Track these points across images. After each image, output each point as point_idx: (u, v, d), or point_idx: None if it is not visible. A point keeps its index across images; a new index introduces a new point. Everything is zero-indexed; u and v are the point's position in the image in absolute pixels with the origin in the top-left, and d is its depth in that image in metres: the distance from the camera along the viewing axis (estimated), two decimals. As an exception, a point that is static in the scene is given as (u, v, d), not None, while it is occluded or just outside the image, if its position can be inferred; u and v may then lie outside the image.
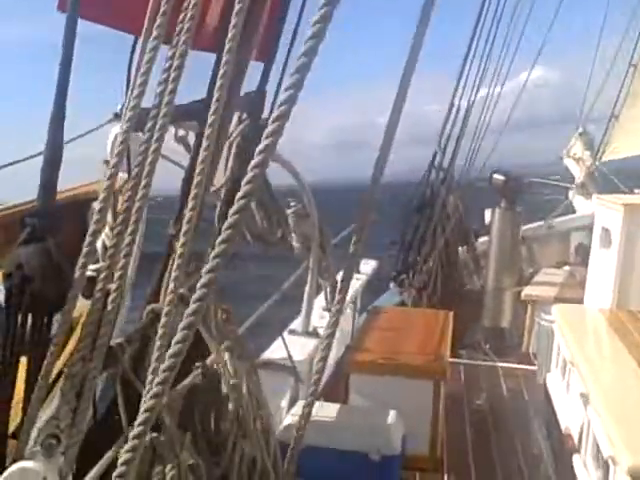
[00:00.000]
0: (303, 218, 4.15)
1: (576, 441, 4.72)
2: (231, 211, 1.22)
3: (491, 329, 8.63)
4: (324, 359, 2.17)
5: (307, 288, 4.57)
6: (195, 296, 1.26)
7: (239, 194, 1.20)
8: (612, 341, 4.94)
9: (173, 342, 1.31)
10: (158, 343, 1.42)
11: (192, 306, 1.26)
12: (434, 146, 9.61)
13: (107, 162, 2.48)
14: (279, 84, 2.72)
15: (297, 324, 4.77)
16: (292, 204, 4.10)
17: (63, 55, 1.53)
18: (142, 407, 1.42)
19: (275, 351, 4.19)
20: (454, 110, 9.69)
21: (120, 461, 1.39)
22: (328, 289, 4.79)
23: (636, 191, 7.79)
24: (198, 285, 1.26)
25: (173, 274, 1.47)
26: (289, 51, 2.71)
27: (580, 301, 6.74)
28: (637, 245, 5.69)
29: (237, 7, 1.32)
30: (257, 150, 1.18)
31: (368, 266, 7.42)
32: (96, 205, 1.62)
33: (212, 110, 1.37)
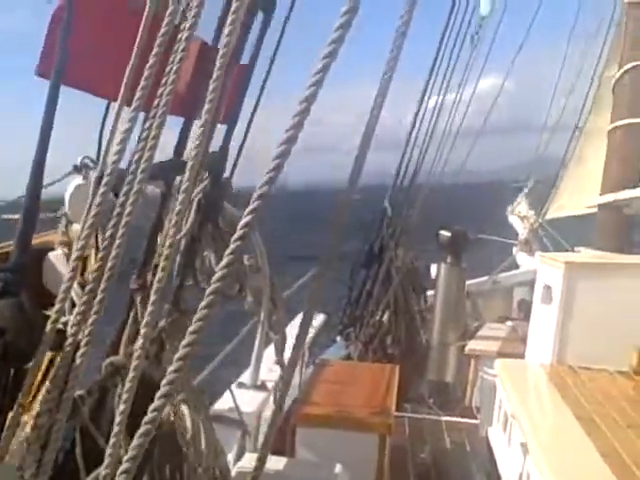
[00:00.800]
0: (254, 272, 4.21)
1: None
2: (219, 267, 1.29)
3: (435, 383, 8.72)
4: (276, 414, 2.23)
5: (257, 341, 4.60)
6: (180, 354, 1.32)
7: (228, 249, 1.27)
8: (552, 395, 5.07)
9: (157, 396, 1.37)
10: (125, 397, 1.48)
11: (175, 364, 1.33)
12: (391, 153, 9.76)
13: (65, 214, 2.54)
14: (241, 145, 2.85)
15: (246, 377, 4.80)
16: (245, 257, 4.17)
17: (44, 119, 1.61)
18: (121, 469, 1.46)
19: (223, 404, 4.20)
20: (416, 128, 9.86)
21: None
22: (278, 342, 4.83)
23: (577, 249, 8.05)
24: (185, 342, 1.32)
25: (142, 331, 1.53)
26: (252, 114, 2.85)
27: (522, 356, 6.89)
28: (577, 302, 5.87)
29: (214, 82, 1.42)
30: (241, 223, 1.26)
31: (316, 320, 7.47)
32: (57, 256, 1.68)
33: (187, 174, 1.46)
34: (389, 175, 9.91)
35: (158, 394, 1.40)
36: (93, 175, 2.41)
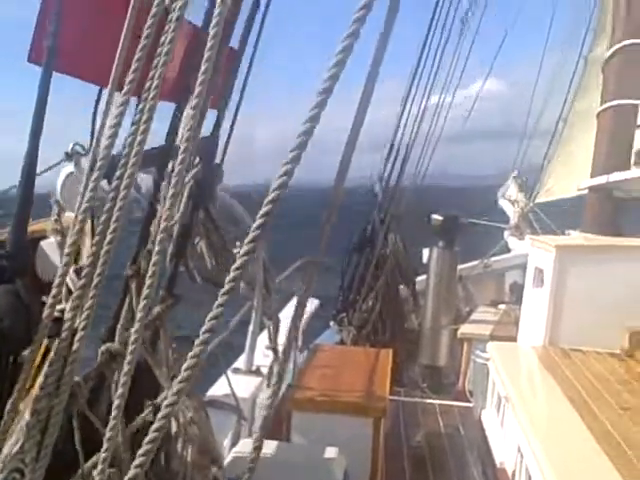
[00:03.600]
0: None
1: (510, 475, 4.86)
2: (233, 268, 1.30)
3: (428, 367, 8.77)
4: (272, 399, 2.24)
5: (251, 327, 4.63)
6: (192, 352, 1.33)
7: (243, 250, 1.28)
8: (544, 378, 5.11)
9: (170, 394, 1.37)
10: (123, 380, 1.49)
11: (190, 360, 1.34)
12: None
13: (57, 202, 2.53)
14: (230, 130, 2.85)
15: (240, 363, 4.82)
16: (238, 244, 4.18)
17: (37, 105, 1.61)
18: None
19: (218, 389, 4.22)
20: (400, 130, 9.92)
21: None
22: (271, 328, 4.85)
23: (567, 232, 8.09)
24: (197, 342, 1.33)
25: (138, 316, 1.54)
26: (240, 99, 2.85)
27: (514, 339, 6.93)
28: (568, 285, 5.91)
29: (204, 66, 1.42)
30: (253, 226, 1.26)
31: (310, 305, 7.49)
32: (49, 244, 1.68)
33: (180, 156, 1.46)
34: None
35: (164, 404, 1.39)
36: (85, 162, 2.41)
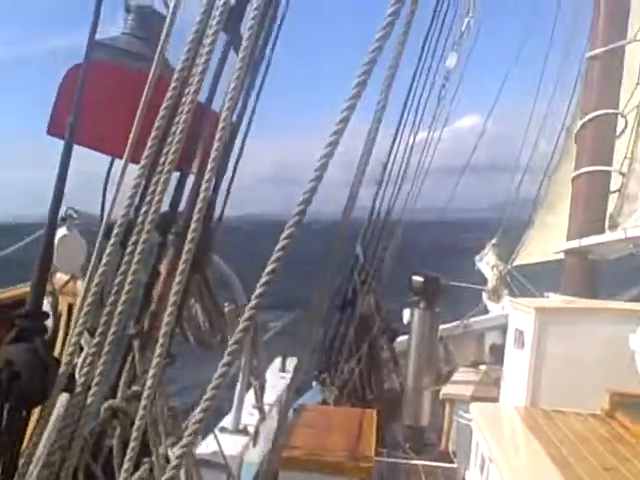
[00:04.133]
0: (235, 318, 4.30)
1: None
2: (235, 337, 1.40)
3: (411, 427, 8.75)
4: (273, 456, 2.31)
5: (238, 386, 4.67)
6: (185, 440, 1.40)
7: (246, 313, 1.37)
8: (527, 438, 5.14)
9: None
10: (134, 435, 1.56)
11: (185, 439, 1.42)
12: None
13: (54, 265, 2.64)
14: (228, 190, 2.97)
15: (227, 422, 4.84)
16: (225, 304, 4.26)
17: (58, 176, 1.72)
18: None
19: (206, 448, 4.24)
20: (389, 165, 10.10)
21: None
22: (258, 387, 4.91)
23: (546, 295, 8.21)
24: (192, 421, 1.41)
25: (151, 371, 1.63)
26: (236, 165, 2.97)
27: (495, 399, 6.97)
28: (548, 346, 5.98)
29: (215, 145, 1.55)
30: (267, 270, 1.35)
31: (293, 364, 7.51)
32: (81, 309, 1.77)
33: (192, 228, 1.58)
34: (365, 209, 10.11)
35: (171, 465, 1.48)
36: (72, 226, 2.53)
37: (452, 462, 7.28)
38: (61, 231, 2.67)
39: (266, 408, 5.13)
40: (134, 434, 1.56)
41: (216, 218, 2.93)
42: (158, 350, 1.59)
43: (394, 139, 10.05)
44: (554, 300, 7.52)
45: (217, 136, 1.47)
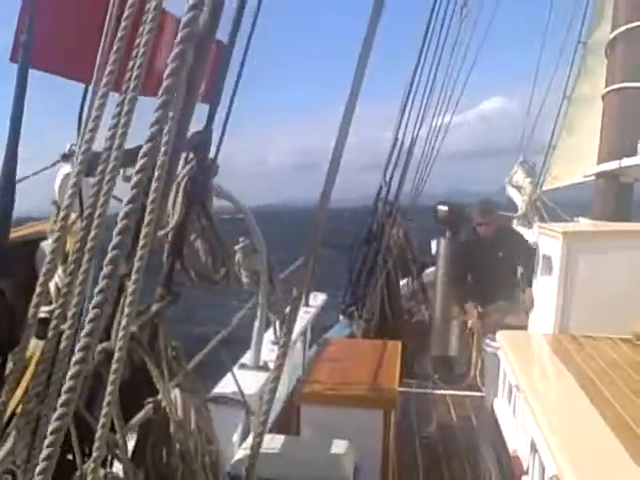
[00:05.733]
0: (251, 253, 4.21)
1: (524, 464, 4.83)
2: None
3: (439, 358, 8.75)
4: (273, 391, 2.23)
5: (257, 322, 4.60)
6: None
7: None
8: (555, 365, 5.08)
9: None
10: (112, 378, 1.47)
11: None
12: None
13: (55, 202, 2.52)
14: (224, 125, 2.83)
15: (247, 358, 4.80)
16: (240, 240, 4.16)
17: (15, 103, 1.59)
18: (96, 444, 1.46)
19: (226, 385, 4.21)
20: (399, 142, 9.93)
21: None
22: (277, 323, 4.85)
23: (576, 219, 8.05)
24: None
25: (126, 311, 1.52)
26: (234, 93, 2.82)
27: (525, 327, 6.91)
28: (577, 272, 5.88)
29: (174, 53, 1.39)
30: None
31: (317, 299, 7.49)
32: (47, 246, 1.67)
33: (162, 151, 1.44)
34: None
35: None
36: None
37: (480, 391, 7.25)
38: (65, 169, 2.54)
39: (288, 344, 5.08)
40: (112, 368, 1.46)
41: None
42: (131, 287, 1.48)
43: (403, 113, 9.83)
44: (583, 224, 7.35)
45: (177, 48, 1.32)
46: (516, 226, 11.94)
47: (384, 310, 9.17)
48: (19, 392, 1.68)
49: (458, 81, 11.02)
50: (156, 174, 1.44)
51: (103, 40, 1.67)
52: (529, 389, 4.67)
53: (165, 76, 1.38)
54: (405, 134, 10.02)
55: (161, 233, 2.61)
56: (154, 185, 1.44)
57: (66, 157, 2.43)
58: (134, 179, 1.33)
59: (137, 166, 1.29)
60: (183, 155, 2.61)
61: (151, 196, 1.46)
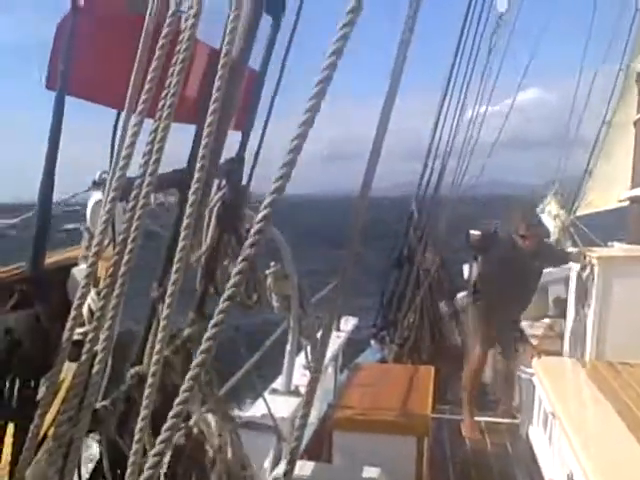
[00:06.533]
0: (281, 278, 4.21)
1: None
2: (234, 272, 1.28)
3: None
4: (305, 416, 2.21)
5: (288, 347, 4.59)
6: (197, 360, 1.32)
7: (241, 256, 1.27)
8: (592, 392, 5.00)
9: (175, 403, 1.37)
10: (145, 403, 1.47)
11: (192, 372, 1.33)
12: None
13: (88, 229, 2.56)
14: (257, 151, 2.85)
15: (279, 383, 4.79)
16: (271, 264, 4.17)
17: (52, 131, 1.62)
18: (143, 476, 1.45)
19: (257, 411, 4.19)
20: (438, 133, 9.91)
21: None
22: (309, 348, 4.82)
23: (610, 244, 7.95)
24: (200, 350, 1.33)
25: (159, 336, 1.53)
26: (266, 121, 2.84)
27: (559, 353, 6.81)
28: (612, 296, 5.79)
29: (217, 84, 1.41)
30: (256, 219, 1.25)
31: (348, 324, 7.46)
32: (79, 272, 1.69)
33: (196, 176, 1.46)
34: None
35: (177, 400, 1.40)
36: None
37: (515, 418, 7.13)
38: (96, 196, 2.57)
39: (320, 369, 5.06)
40: (146, 392, 1.47)
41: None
42: (165, 312, 1.48)
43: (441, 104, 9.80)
44: (618, 249, 7.25)
45: (217, 74, 1.33)
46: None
47: (421, 334, 9.07)
48: (50, 416, 1.69)
49: (494, 72, 10.92)
50: (190, 200, 1.45)
51: (136, 67, 1.70)
52: (565, 416, 4.59)
53: (200, 104, 1.39)
54: (444, 125, 9.98)
55: (194, 258, 2.63)
56: (188, 211, 1.45)
57: (97, 184, 2.46)
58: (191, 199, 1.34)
59: (192, 189, 1.30)
60: (215, 182, 2.64)
61: (185, 221, 1.48)
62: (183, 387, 1.40)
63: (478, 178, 11.48)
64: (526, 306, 7.57)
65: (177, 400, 1.39)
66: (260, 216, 1.24)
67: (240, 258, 1.24)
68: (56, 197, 1.85)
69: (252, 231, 1.26)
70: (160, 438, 1.38)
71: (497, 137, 12.49)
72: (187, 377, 1.40)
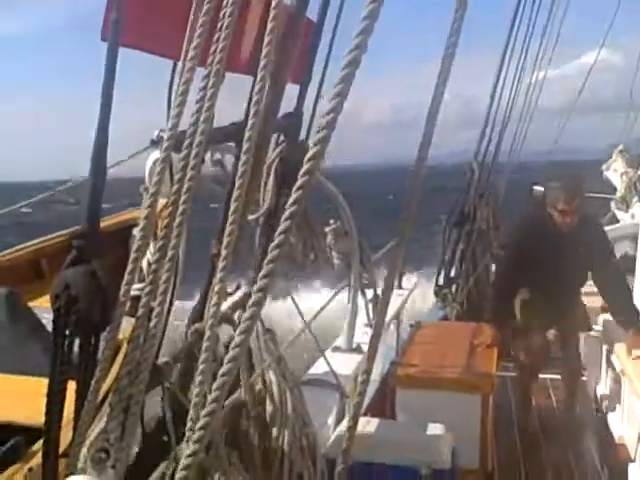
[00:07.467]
0: (342, 236, 4.18)
1: (631, 451, 4.62)
2: (277, 232, 1.24)
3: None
4: (367, 373, 2.17)
5: (349, 305, 4.57)
6: (246, 315, 1.29)
7: (284, 215, 1.23)
8: None
9: (225, 360, 1.35)
10: (203, 357, 1.46)
11: (242, 325, 1.30)
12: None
13: (146, 189, 2.54)
14: (315, 105, 2.78)
15: (340, 341, 4.78)
16: (331, 222, 4.14)
17: (105, 82, 1.58)
18: (197, 425, 1.44)
19: (319, 368, 4.19)
20: (497, 97, 9.64)
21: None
22: (370, 305, 4.79)
23: None
24: (249, 303, 1.29)
25: (215, 293, 1.50)
26: (323, 73, 2.77)
27: None
28: None
29: (268, 35, 1.36)
30: (300, 173, 1.21)
31: (410, 281, 7.40)
32: (137, 230, 1.68)
33: (248, 132, 1.41)
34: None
35: (226, 358, 1.36)
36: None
37: (582, 375, 6.98)
38: (154, 155, 2.55)
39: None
40: (203, 346, 1.45)
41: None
42: (219, 273, 1.45)
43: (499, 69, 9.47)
44: None
45: (269, 25, 1.27)
46: (613, 209, 11.52)
47: (483, 292, 8.93)
48: (112, 372, 1.70)
49: (556, 33, 10.49)
50: (243, 158, 1.41)
51: (192, 15, 1.65)
52: (635, 374, 4.47)
53: (254, 53, 1.34)
54: (503, 88, 9.71)
55: (252, 217, 2.60)
56: (240, 169, 1.41)
57: (155, 142, 2.43)
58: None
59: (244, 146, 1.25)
60: (274, 138, 2.59)
61: (237, 182, 1.44)
62: (232, 343, 1.37)
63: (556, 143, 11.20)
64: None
65: (226, 357, 1.36)
66: (310, 154, 1.18)
67: (290, 201, 1.19)
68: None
69: (294, 187, 1.21)
70: (211, 397, 1.36)
71: (577, 98, 12.06)
72: (237, 332, 1.36)
